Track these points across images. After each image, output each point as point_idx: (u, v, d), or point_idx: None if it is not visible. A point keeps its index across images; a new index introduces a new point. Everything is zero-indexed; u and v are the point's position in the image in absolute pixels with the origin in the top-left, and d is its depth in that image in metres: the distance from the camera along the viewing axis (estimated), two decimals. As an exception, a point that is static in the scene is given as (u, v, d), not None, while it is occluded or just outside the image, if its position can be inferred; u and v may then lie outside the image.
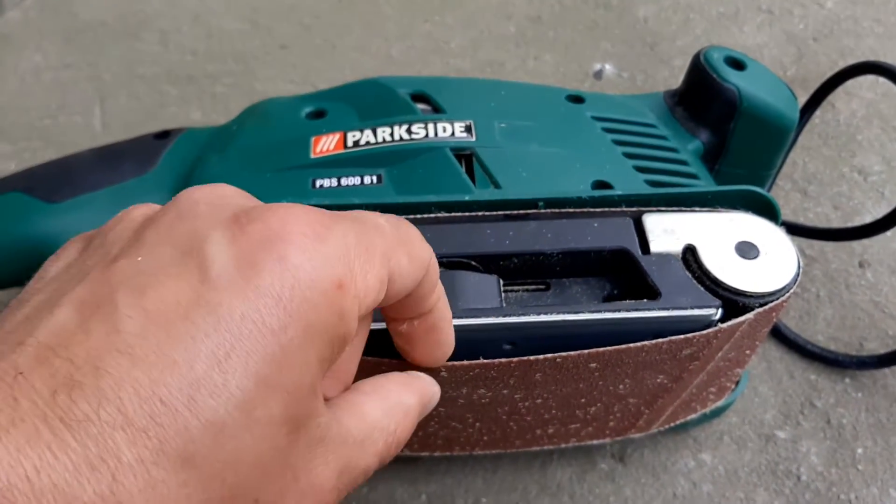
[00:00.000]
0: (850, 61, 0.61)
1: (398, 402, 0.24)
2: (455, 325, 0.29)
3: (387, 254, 0.21)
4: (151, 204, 0.22)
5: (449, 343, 0.27)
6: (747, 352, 0.35)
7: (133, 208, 0.22)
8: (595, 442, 0.39)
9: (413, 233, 0.23)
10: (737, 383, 0.40)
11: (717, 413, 0.41)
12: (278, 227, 0.19)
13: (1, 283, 0.40)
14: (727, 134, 0.41)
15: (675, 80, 0.61)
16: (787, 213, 0.52)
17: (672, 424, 0.39)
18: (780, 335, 0.46)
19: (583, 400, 0.34)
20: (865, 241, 0.50)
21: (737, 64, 0.41)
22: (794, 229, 0.48)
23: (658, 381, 0.33)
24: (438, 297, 0.25)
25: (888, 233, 0.45)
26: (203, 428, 0.16)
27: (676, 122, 0.42)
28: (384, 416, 0.23)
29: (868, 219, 0.52)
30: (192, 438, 0.16)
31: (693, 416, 0.39)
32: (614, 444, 0.43)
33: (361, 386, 0.24)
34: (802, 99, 0.50)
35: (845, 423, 0.43)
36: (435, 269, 0.24)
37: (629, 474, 0.42)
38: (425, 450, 0.38)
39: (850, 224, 0.52)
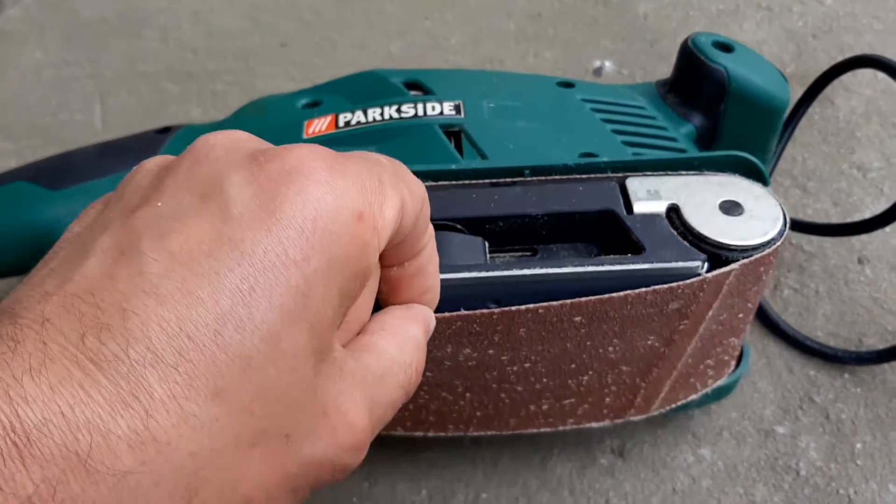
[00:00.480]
0: (848, 57, 0.61)
1: (408, 335, 0.24)
2: (440, 280, 0.29)
3: (396, 186, 0.21)
4: (165, 155, 0.22)
5: (435, 288, 0.27)
6: (740, 315, 0.34)
7: (147, 161, 0.22)
8: (594, 425, 0.39)
9: (406, 169, 0.23)
10: (737, 364, 0.40)
11: (719, 395, 0.41)
12: (296, 163, 0.19)
13: (7, 269, 0.40)
14: (718, 116, 0.41)
15: (675, 76, 0.61)
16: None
17: (673, 405, 0.39)
18: (779, 331, 0.46)
19: (573, 365, 0.34)
20: (864, 238, 0.50)
21: (725, 47, 0.41)
22: (793, 225, 0.48)
23: (649, 342, 0.33)
24: (430, 238, 0.25)
25: (887, 228, 0.45)
26: (230, 361, 0.17)
27: (668, 108, 0.42)
28: (399, 351, 0.23)
29: (867, 215, 0.52)
30: (220, 373, 0.16)
31: (694, 396, 0.39)
32: (614, 438, 0.43)
33: (368, 327, 0.24)
34: (800, 93, 0.50)
35: (844, 419, 0.43)
36: (427, 204, 0.24)
37: (629, 469, 0.42)
38: (418, 428, 0.38)
39: (848, 220, 0.52)
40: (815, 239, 0.50)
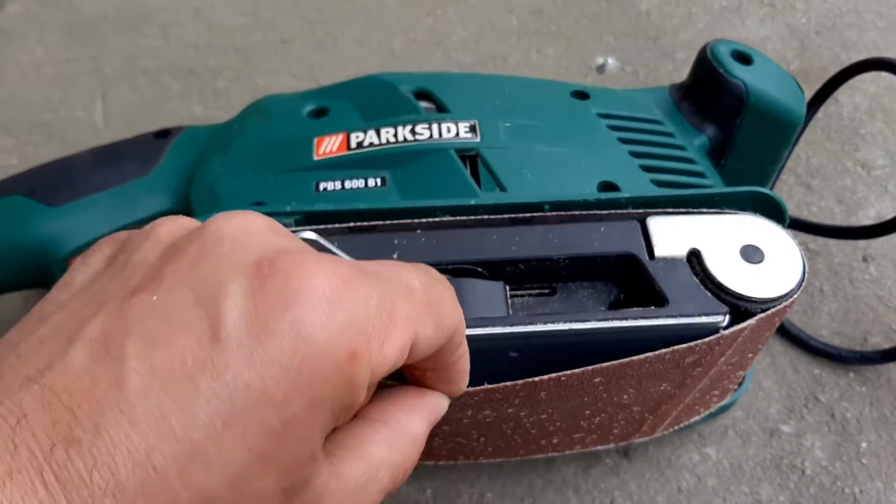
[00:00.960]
0: (853, 54, 0.61)
1: (406, 433, 0.23)
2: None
3: (412, 319, 0.20)
4: (181, 219, 0.22)
5: (464, 382, 0.25)
6: (749, 355, 0.34)
7: (162, 223, 0.21)
8: (599, 448, 0.39)
9: (446, 295, 0.22)
10: (740, 383, 0.40)
11: (720, 411, 0.41)
12: (298, 285, 0.18)
13: (4, 287, 0.40)
14: (733, 129, 0.41)
15: (679, 73, 0.61)
16: (790, 208, 0.52)
17: (676, 427, 0.39)
18: (783, 330, 0.46)
19: (587, 412, 0.34)
20: (869, 235, 0.50)
21: (743, 58, 0.41)
22: (800, 226, 0.48)
23: (661, 388, 0.33)
24: (462, 355, 0.24)
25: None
26: (191, 500, 0.16)
27: (682, 116, 0.42)
28: (390, 451, 0.22)
29: (872, 213, 0.52)
30: None
31: (697, 418, 0.39)
32: (619, 438, 0.43)
33: (367, 413, 0.23)
34: (806, 93, 0.50)
35: (849, 418, 0.43)
36: (462, 331, 0.23)
37: (634, 469, 0.42)
38: (430, 459, 0.38)
39: (853, 218, 0.52)
40: (820, 237, 0.50)
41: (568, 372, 0.30)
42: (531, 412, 0.33)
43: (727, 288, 0.30)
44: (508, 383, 0.30)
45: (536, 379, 0.30)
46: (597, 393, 0.32)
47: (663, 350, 0.30)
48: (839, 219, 0.52)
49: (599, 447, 0.39)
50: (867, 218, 0.52)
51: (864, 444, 0.42)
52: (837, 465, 0.42)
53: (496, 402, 0.31)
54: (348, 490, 0.20)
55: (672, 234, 0.32)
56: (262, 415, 0.17)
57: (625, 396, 0.33)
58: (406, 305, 0.20)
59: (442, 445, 0.36)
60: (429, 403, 0.24)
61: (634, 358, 0.30)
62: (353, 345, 0.18)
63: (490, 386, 0.30)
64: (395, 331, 0.19)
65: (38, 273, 0.38)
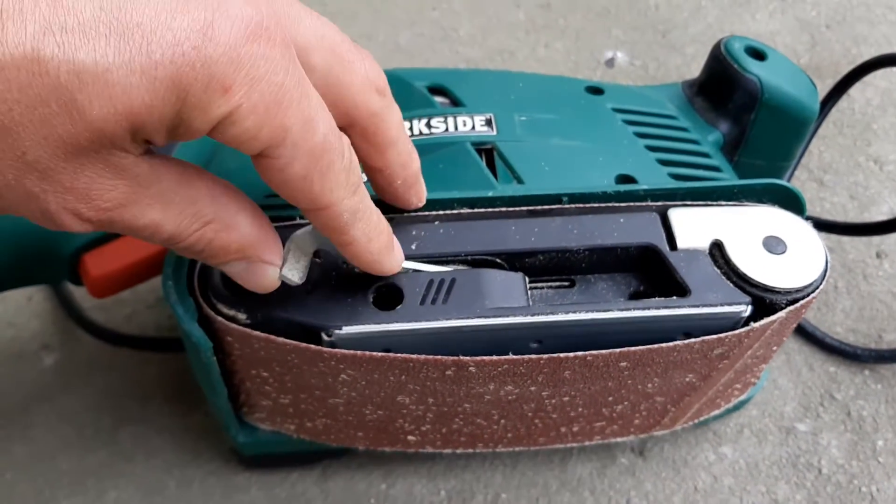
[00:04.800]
0: (864, 49, 0.61)
1: (199, 212, 0.23)
2: (482, 325, 0.29)
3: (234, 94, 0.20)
4: None
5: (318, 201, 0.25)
6: (774, 348, 0.34)
7: None
8: (619, 439, 0.39)
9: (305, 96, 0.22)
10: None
11: (738, 407, 0.41)
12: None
13: (9, 283, 0.39)
14: (747, 125, 0.41)
15: (688, 68, 0.60)
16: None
17: (696, 420, 0.39)
18: (798, 327, 0.46)
19: (610, 398, 0.34)
20: (883, 231, 0.50)
21: (757, 54, 0.41)
22: (812, 224, 0.48)
23: (687, 379, 0.33)
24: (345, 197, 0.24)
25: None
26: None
27: (696, 113, 0.42)
28: (179, 205, 0.23)
29: (885, 209, 0.52)
30: None
31: (717, 411, 0.39)
32: (635, 438, 0.42)
33: (206, 178, 0.24)
34: (818, 87, 0.49)
35: (865, 416, 0.43)
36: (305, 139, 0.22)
37: (649, 469, 0.42)
38: (448, 447, 0.37)
39: (866, 214, 0.51)
40: (833, 234, 0.50)
41: (594, 352, 0.29)
42: (554, 392, 0.33)
43: (751, 279, 0.30)
44: (533, 356, 0.29)
45: (562, 355, 0.29)
46: (622, 378, 0.32)
47: (693, 339, 0.30)
48: (852, 215, 0.51)
49: (619, 439, 0.39)
50: (880, 214, 0.52)
51: (880, 443, 0.42)
52: (854, 463, 0.42)
53: (519, 377, 0.31)
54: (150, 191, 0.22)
55: (694, 226, 0.31)
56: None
57: (649, 385, 0.33)
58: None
59: (462, 428, 0.35)
60: (251, 224, 0.25)
61: (664, 345, 0.30)
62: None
63: (514, 357, 0.29)
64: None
65: (44, 269, 0.38)
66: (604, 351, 0.30)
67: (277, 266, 0.26)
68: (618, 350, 0.30)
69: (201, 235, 0.24)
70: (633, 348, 0.30)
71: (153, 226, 0.23)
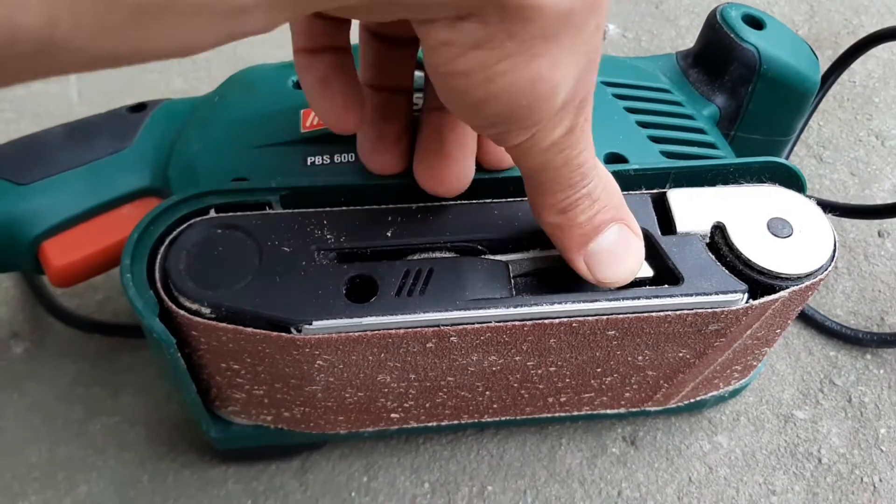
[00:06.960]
0: (864, 19, 0.58)
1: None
2: (462, 318, 0.28)
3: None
4: None
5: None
6: (777, 330, 0.33)
7: None
8: (609, 411, 0.37)
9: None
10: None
11: (734, 394, 0.39)
12: None
13: None
14: (745, 98, 0.39)
15: (682, 40, 0.58)
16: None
17: (691, 401, 0.37)
18: (797, 310, 0.44)
19: (599, 369, 0.32)
20: (885, 209, 0.48)
21: (755, 22, 0.39)
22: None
23: (680, 355, 0.31)
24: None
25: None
26: None
27: (690, 85, 0.40)
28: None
29: (887, 186, 0.50)
30: None
31: (714, 392, 0.37)
32: (626, 426, 0.41)
33: None
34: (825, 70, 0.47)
35: (867, 402, 0.41)
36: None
37: (642, 458, 0.40)
38: (433, 420, 0.36)
39: (867, 191, 0.50)
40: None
41: (580, 318, 0.28)
42: (540, 362, 0.31)
43: (756, 265, 0.28)
44: (517, 322, 0.28)
45: (546, 321, 0.28)
46: (610, 348, 0.30)
47: (685, 311, 0.28)
48: (852, 192, 0.50)
49: (608, 411, 0.37)
50: (882, 191, 0.50)
51: (882, 431, 0.41)
52: (855, 452, 0.40)
53: (503, 346, 0.29)
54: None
55: (694, 208, 0.30)
56: None
57: (640, 357, 0.31)
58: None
59: (445, 402, 0.34)
60: None
61: (653, 314, 0.28)
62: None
63: (497, 324, 0.28)
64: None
65: (5, 255, 0.36)
66: (590, 318, 0.28)
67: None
68: (605, 317, 0.28)
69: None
70: (620, 316, 0.28)
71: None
